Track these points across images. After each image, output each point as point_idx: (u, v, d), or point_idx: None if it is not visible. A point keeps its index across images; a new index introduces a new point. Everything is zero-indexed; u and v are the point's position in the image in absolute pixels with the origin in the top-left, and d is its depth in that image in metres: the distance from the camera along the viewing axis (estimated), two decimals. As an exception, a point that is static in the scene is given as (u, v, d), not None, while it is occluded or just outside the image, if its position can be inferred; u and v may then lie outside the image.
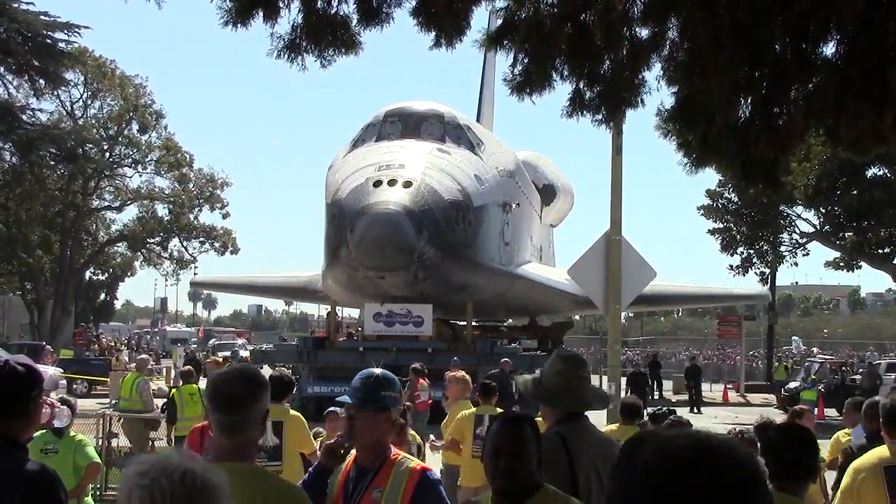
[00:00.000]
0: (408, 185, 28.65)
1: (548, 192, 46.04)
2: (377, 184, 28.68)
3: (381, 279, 28.83)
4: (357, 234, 27.71)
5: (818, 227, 44.61)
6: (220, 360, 23.86)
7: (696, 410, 36.05)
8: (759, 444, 5.20)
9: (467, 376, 13.28)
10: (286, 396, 9.31)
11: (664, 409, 10.67)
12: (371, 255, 27.89)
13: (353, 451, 4.60)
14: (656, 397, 41.49)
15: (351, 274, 29.79)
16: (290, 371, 21.43)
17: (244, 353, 48.70)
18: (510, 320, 46.26)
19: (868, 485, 5.80)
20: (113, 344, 54.96)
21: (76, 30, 50.30)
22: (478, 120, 47.65)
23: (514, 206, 34.11)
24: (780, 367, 43.20)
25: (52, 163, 56.55)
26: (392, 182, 28.68)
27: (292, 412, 9.33)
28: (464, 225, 29.91)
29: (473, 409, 11.54)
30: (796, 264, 47.57)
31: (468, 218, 30.13)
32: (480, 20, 6.80)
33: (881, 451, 5.97)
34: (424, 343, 29.60)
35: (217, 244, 64.23)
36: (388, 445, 4.54)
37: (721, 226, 46.29)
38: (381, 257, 27.78)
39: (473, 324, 42.74)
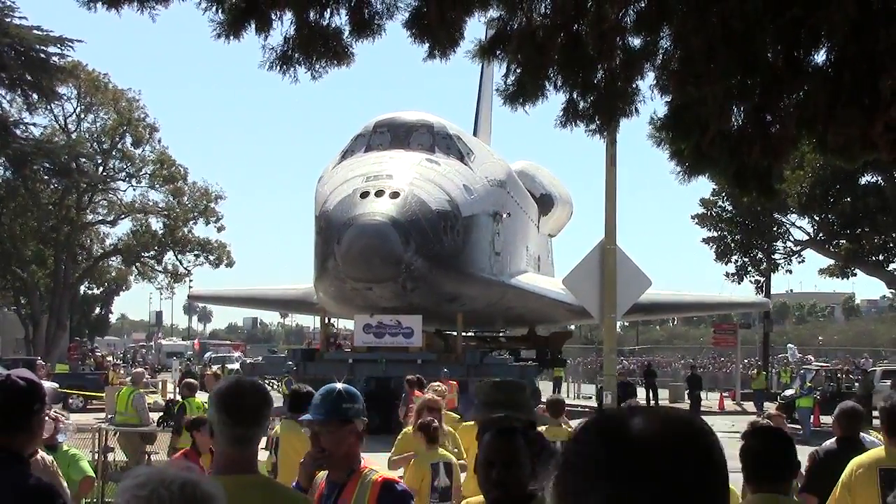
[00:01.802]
0: (395, 195, 28.57)
1: (545, 202, 46.01)
2: (364, 195, 28.63)
3: (368, 290, 28.75)
4: (344, 246, 27.67)
5: (812, 234, 44.69)
6: (218, 372, 23.83)
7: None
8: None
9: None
10: (302, 411, 8.88)
11: None
12: (358, 267, 27.83)
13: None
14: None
15: (339, 286, 29.73)
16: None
17: (234, 366, 48.61)
18: (505, 331, 46.24)
19: (862, 482, 5.97)
20: (110, 358, 54.84)
21: (69, 44, 50.47)
22: (475, 130, 47.67)
23: (504, 215, 34.00)
24: (759, 375, 42.09)
25: (46, 177, 56.59)
26: (379, 193, 28.62)
27: (292, 430, 8.91)
28: (452, 235, 29.81)
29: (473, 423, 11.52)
30: (790, 272, 47.66)
31: (457, 228, 30.04)
32: (474, 31, 6.80)
33: (879, 452, 6.18)
34: (414, 354, 29.50)
35: (212, 257, 64.19)
36: (357, 458, 4.52)
37: (715, 234, 46.36)
38: (367, 268, 27.72)
39: (471, 334, 42.79)
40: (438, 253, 29.12)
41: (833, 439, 8.07)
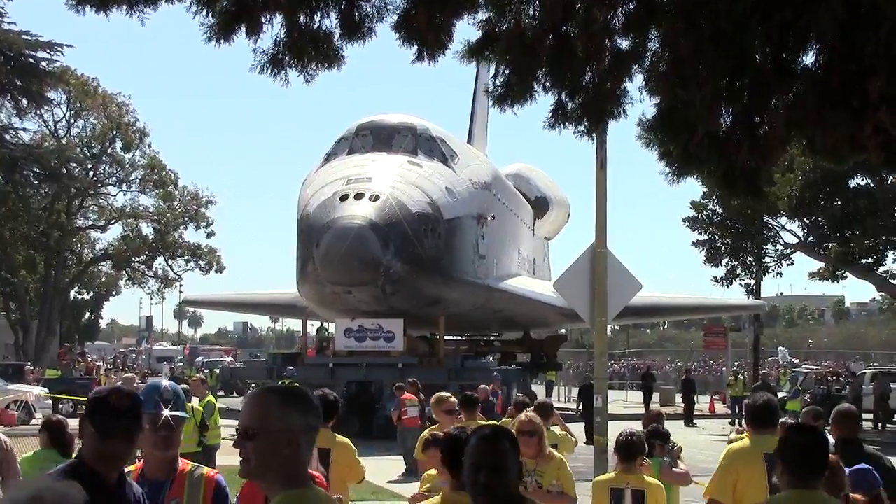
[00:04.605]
0: (375, 198, 28.48)
1: (540, 205, 46.00)
2: (344, 198, 28.55)
3: (347, 294, 28.66)
4: (322, 249, 27.62)
5: (802, 237, 44.81)
6: (203, 377, 23.81)
7: (690, 423, 36.02)
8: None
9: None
10: (332, 419, 8.22)
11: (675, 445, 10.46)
12: (336, 270, 27.76)
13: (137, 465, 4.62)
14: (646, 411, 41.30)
15: (319, 289, 29.66)
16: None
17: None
18: (499, 335, 46.23)
19: (744, 466, 6.85)
20: (101, 364, 54.73)
21: (58, 49, 50.44)
22: (470, 134, 47.62)
23: (489, 218, 33.86)
24: (737, 381, 40.12)
25: (36, 182, 56.56)
26: (359, 196, 28.54)
27: (339, 438, 8.43)
28: (434, 238, 29.71)
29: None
30: (780, 275, 47.69)
31: (438, 231, 29.94)
32: (465, 33, 6.83)
33: (744, 442, 7.11)
34: (395, 358, 29.46)
35: (202, 262, 64.20)
36: (178, 456, 4.61)
37: (705, 238, 46.44)
38: (345, 272, 27.64)
39: (463, 338, 42.69)
40: (419, 256, 29.02)
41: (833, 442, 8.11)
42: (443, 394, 11.47)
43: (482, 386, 21.87)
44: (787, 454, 4.84)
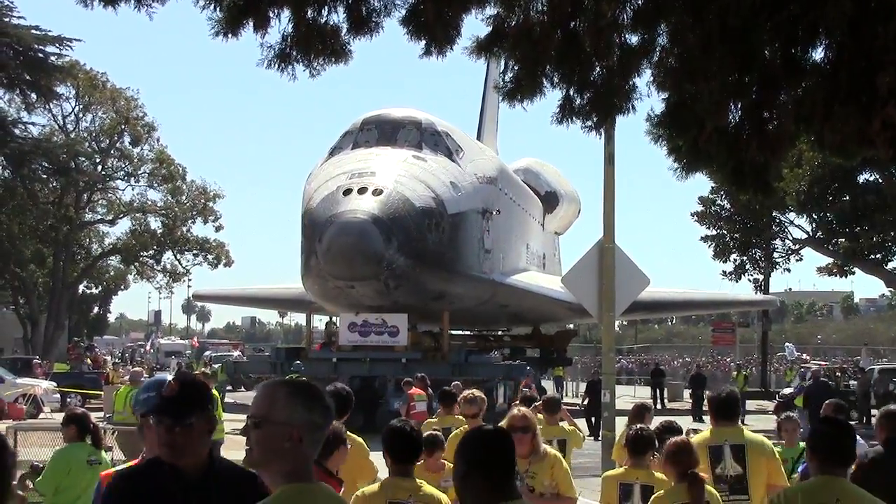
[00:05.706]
0: (378, 193, 28.37)
1: (550, 200, 45.87)
2: (347, 192, 28.48)
3: (350, 289, 28.61)
4: (325, 244, 27.57)
5: (811, 233, 44.72)
6: (208, 371, 23.86)
7: (700, 419, 35.91)
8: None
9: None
10: (345, 415, 7.53)
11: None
12: (338, 265, 27.71)
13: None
14: (658, 406, 41.16)
15: (322, 284, 29.63)
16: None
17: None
18: (509, 330, 46.18)
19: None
20: (108, 358, 54.80)
21: (67, 43, 50.65)
22: (479, 128, 47.52)
23: (494, 212, 33.73)
24: (739, 375, 40.20)
25: (45, 176, 56.70)
26: (362, 190, 28.46)
27: (351, 437, 7.55)
28: (437, 232, 29.60)
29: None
30: (789, 270, 47.59)
31: (442, 225, 29.83)
32: (472, 28, 6.83)
33: (706, 434, 7.63)
34: (399, 353, 29.42)
35: (210, 257, 64.24)
36: None
37: (714, 233, 46.38)
38: (348, 267, 27.59)
39: (471, 333, 42.55)
40: (422, 250, 28.92)
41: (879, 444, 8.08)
42: (470, 394, 10.73)
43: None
44: (817, 444, 5.31)
